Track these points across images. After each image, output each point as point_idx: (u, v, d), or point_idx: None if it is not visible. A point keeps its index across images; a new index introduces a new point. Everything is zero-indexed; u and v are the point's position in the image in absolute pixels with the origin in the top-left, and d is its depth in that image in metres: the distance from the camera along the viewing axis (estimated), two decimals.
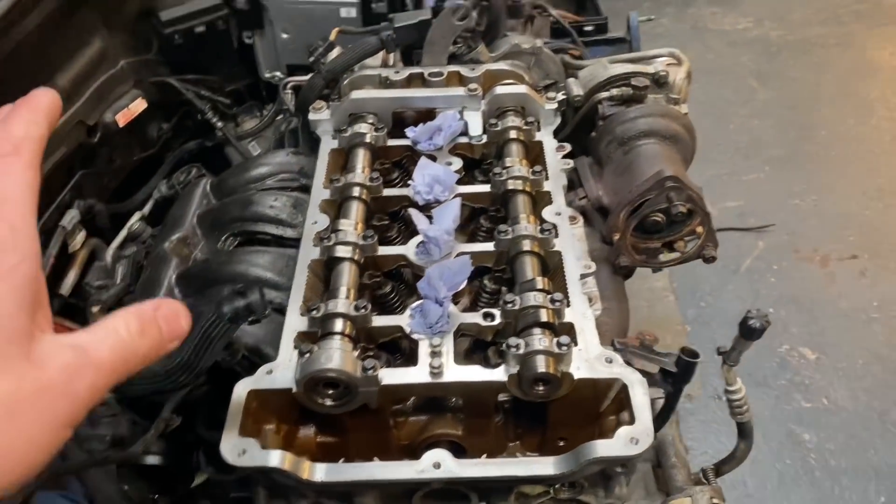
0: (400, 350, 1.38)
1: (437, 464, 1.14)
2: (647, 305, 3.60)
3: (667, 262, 1.56)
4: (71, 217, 1.75)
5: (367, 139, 1.61)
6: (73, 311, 1.79)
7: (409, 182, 1.55)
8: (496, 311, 1.30)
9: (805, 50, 5.02)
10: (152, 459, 1.43)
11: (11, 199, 0.64)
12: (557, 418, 1.28)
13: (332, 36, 1.78)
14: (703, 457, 3.03)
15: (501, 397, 1.34)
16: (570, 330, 1.27)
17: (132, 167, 2.10)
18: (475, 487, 1.23)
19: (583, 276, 1.37)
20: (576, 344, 1.23)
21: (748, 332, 1.21)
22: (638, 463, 1.42)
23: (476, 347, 1.40)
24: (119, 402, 1.43)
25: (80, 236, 1.79)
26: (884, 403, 3.09)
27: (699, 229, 1.53)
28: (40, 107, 0.72)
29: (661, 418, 1.27)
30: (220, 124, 2.10)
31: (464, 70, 1.72)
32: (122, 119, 1.87)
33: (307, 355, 1.19)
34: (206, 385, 1.35)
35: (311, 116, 1.67)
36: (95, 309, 1.50)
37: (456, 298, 1.40)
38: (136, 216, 1.90)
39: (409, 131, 1.64)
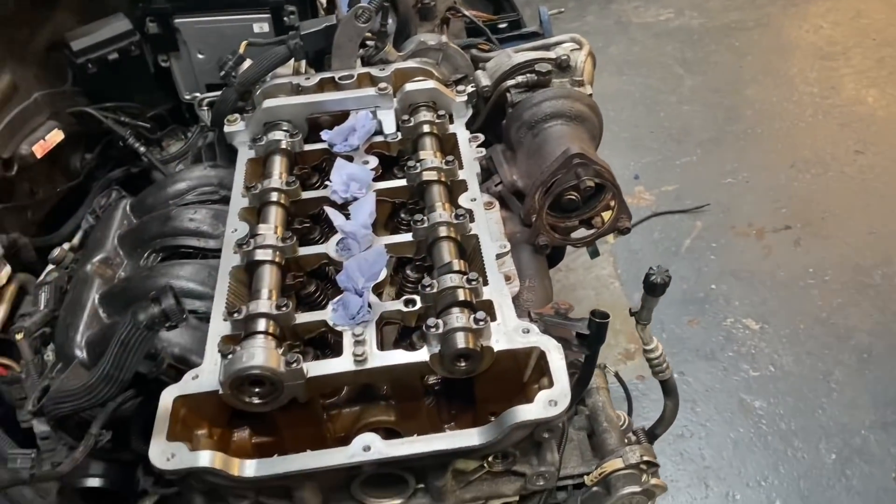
0: (328, 345, 1.40)
1: (367, 447, 1.17)
2: (594, 294, 3.67)
3: (584, 238, 1.61)
4: None
5: (283, 145, 1.64)
6: (5, 347, 1.77)
7: (327, 183, 1.58)
8: (417, 297, 1.33)
9: (726, 35, 5.17)
10: (91, 482, 1.42)
11: None
12: (485, 394, 1.32)
13: (241, 49, 1.81)
14: (666, 433, 3.09)
15: (431, 380, 1.38)
16: (488, 307, 1.30)
17: (57, 199, 2.09)
18: (410, 469, 1.25)
19: (499, 256, 1.41)
20: (494, 319, 1.27)
21: (651, 288, 1.25)
22: (572, 431, 1.46)
23: (404, 335, 1.44)
24: (53, 429, 1.42)
25: (6, 271, 1.77)
26: (827, 364, 3.18)
27: (612, 203, 1.57)
28: None
29: (581, 381, 1.31)
30: (143, 149, 2.10)
31: (374, 71, 1.76)
32: (39, 150, 1.86)
33: (230, 356, 1.21)
34: (137, 399, 1.35)
35: (227, 129, 1.69)
36: (19, 336, 1.49)
37: (381, 290, 1.43)
38: (65, 247, 1.89)
39: (324, 134, 1.67)
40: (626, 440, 1.41)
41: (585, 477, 1.36)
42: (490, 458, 1.27)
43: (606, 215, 1.65)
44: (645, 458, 1.32)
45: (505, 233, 1.54)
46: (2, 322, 1.75)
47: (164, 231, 1.54)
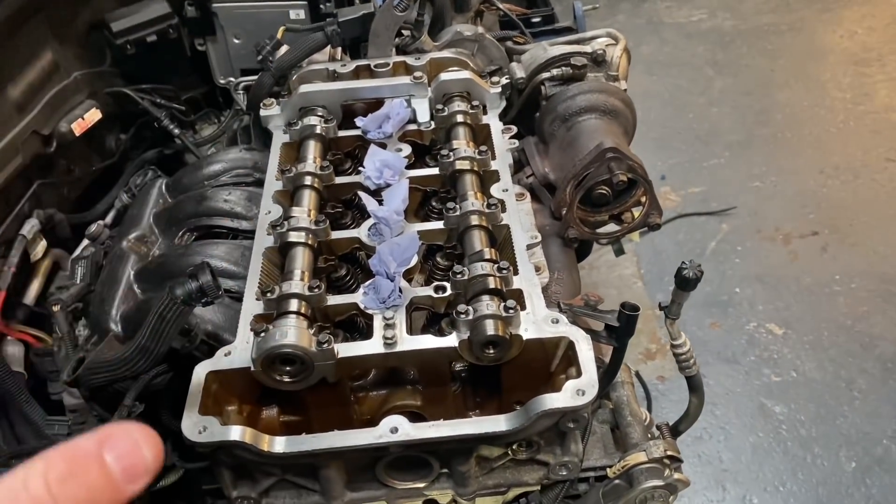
0: (357, 328, 1.42)
1: (395, 428, 1.18)
2: (617, 293, 3.66)
3: (613, 233, 1.61)
4: (31, 226, 1.77)
5: (318, 130, 1.66)
6: (38, 320, 1.81)
7: (360, 169, 1.59)
8: (447, 284, 1.34)
9: (758, 37, 5.13)
10: None
11: None
12: (511, 382, 1.32)
13: (279, 34, 1.83)
14: (684, 435, 3.08)
15: (458, 366, 1.39)
16: (518, 296, 1.31)
17: (92, 177, 2.12)
18: (435, 453, 1.26)
19: (529, 247, 1.42)
20: (523, 308, 1.28)
21: (683, 282, 1.25)
22: (596, 424, 1.46)
23: (432, 321, 1.45)
24: (86, 400, 1.45)
25: (42, 245, 1.81)
26: (850, 372, 3.16)
27: (643, 199, 1.58)
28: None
29: (609, 373, 1.31)
30: (177, 131, 2.13)
31: (409, 60, 1.77)
32: (78, 128, 1.89)
33: (262, 335, 1.22)
34: (168, 374, 1.37)
35: (263, 112, 1.71)
36: (56, 308, 1.52)
37: (410, 276, 1.44)
38: (101, 223, 1.92)
39: (359, 121, 1.69)
40: (649, 435, 1.41)
41: (608, 469, 1.37)
42: (514, 446, 1.28)
43: (636, 211, 1.65)
44: (668, 453, 1.32)
45: (535, 224, 1.55)
46: (36, 295, 1.79)
47: (199, 211, 1.57)
